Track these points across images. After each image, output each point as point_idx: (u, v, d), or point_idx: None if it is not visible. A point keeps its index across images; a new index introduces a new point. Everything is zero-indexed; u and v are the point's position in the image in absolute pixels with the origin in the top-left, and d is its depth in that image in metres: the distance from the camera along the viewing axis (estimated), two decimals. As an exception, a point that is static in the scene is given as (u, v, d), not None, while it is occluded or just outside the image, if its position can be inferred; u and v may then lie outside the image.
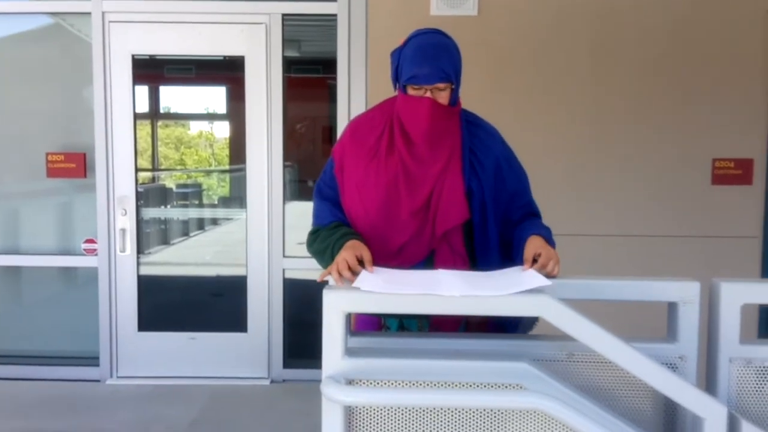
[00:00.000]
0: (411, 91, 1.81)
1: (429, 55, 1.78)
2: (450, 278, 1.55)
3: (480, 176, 1.85)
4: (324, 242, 1.84)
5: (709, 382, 1.57)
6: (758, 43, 3.60)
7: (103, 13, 4.03)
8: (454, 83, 1.81)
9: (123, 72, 4.07)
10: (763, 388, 1.53)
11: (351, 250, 1.69)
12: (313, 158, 4.52)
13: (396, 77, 1.85)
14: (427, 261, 1.82)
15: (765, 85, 3.62)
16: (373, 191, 1.83)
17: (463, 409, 1.41)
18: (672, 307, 1.59)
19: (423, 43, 1.81)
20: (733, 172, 3.63)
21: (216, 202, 5.11)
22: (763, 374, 1.53)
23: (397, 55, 1.84)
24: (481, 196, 1.84)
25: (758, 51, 3.60)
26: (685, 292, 1.56)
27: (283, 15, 4.03)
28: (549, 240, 1.75)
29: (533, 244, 1.69)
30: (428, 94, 1.79)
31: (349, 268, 1.64)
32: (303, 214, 4.12)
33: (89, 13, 4.04)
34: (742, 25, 3.60)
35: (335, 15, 3.98)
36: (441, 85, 1.79)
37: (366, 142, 1.88)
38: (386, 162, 1.84)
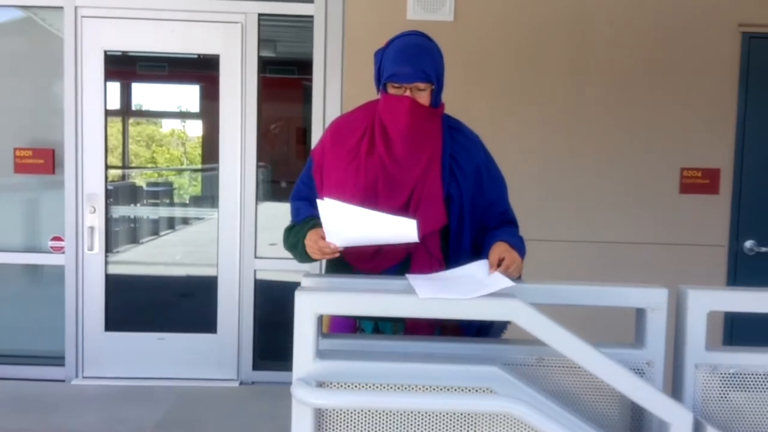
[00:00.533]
0: (391, 90, 1.82)
1: (410, 55, 1.80)
2: (420, 282, 1.55)
3: (460, 182, 1.86)
4: (296, 236, 1.88)
5: (675, 388, 1.59)
6: (729, 55, 3.67)
7: (75, 7, 3.97)
8: (435, 84, 1.83)
9: (95, 68, 4.01)
10: (727, 394, 1.56)
11: (313, 234, 1.76)
12: (286, 159, 4.50)
13: (378, 77, 1.86)
14: (404, 264, 1.83)
15: (734, 96, 3.70)
16: (352, 192, 1.82)
17: (433, 412, 1.41)
18: (640, 313, 1.61)
19: (405, 44, 1.83)
20: (701, 182, 3.70)
21: (187, 202, 5.06)
22: (728, 380, 1.56)
23: (380, 56, 1.86)
24: (460, 202, 1.86)
25: (728, 62, 3.68)
26: (653, 299, 1.59)
27: (260, 15, 4.02)
28: (518, 247, 1.78)
29: (498, 249, 1.72)
30: (408, 93, 1.80)
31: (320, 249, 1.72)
32: (276, 214, 4.10)
33: (61, 8, 3.97)
34: (713, 36, 3.67)
35: (312, 16, 3.97)
36: (421, 85, 1.81)
37: (347, 142, 1.88)
38: (366, 163, 1.84)
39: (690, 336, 1.57)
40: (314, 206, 1.88)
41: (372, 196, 1.82)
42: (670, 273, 3.53)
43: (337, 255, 1.75)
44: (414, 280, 1.58)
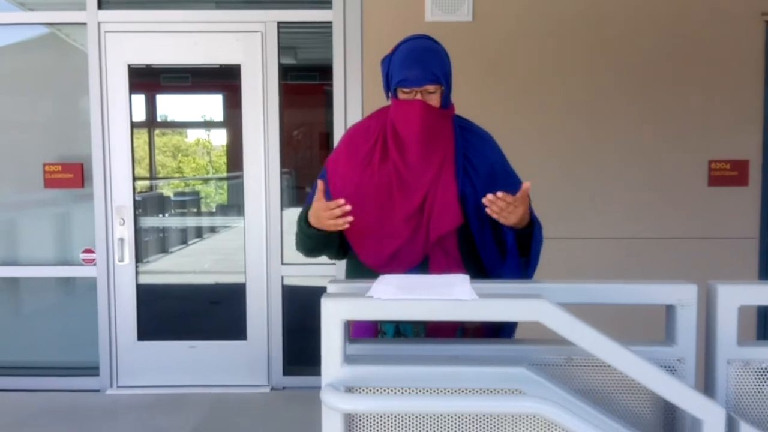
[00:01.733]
0: (401, 95, 1.84)
1: (417, 58, 1.81)
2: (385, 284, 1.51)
3: (474, 181, 1.86)
4: (298, 229, 1.93)
5: (707, 384, 1.57)
6: (753, 45, 3.62)
7: (99, 23, 4.04)
8: (444, 85, 1.83)
9: (119, 81, 4.08)
10: (761, 389, 1.53)
11: (314, 204, 1.80)
12: (310, 164, 4.52)
13: (387, 85, 1.87)
14: (422, 265, 1.84)
15: (760, 87, 3.64)
16: (367, 197, 1.84)
17: (462, 415, 1.41)
18: (670, 310, 1.59)
19: (411, 48, 1.84)
20: (729, 174, 3.65)
21: (214, 210, 5.11)
22: (761, 375, 1.53)
23: (387, 62, 1.87)
24: (476, 201, 1.85)
25: (753, 53, 3.62)
26: (683, 295, 1.57)
27: (279, 23, 4.05)
28: (536, 226, 1.82)
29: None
30: (418, 96, 1.81)
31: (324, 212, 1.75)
32: (301, 220, 4.12)
33: (85, 24, 4.05)
34: (737, 27, 3.62)
35: (330, 22, 4.00)
36: (431, 88, 1.82)
37: (361, 150, 1.89)
38: (380, 169, 1.85)
39: (721, 332, 1.54)
40: None
41: (387, 201, 1.83)
42: (701, 267, 3.49)
43: (348, 213, 1.74)
44: (382, 282, 1.53)
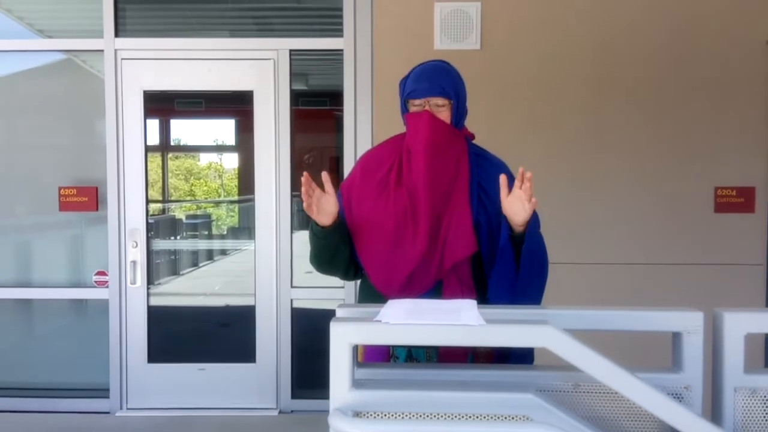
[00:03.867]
0: (412, 108, 1.89)
1: (428, 75, 1.88)
2: (395, 308, 1.53)
3: (488, 209, 1.88)
4: (309, 233, 1.94)
5: (714, 412, 1.57)
6: (758, 72, 3.64)
7: (115, 50, 4.12)
8: (453, 100, 1.87)
9: (134, 107, 4.15)
10: (769, 417, 1.53)
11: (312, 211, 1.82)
12: (321, 188, 4.55)
13: (403, 103, 1.93)
14: (435, 291, 1.85)
15: (765, 113, 3.65)
16: (381, 223, 1.86)
17: (470, 441, 1.42)
18: (676, 337, 1.60)
19: (425, 66, 1.93)
20: (736, 200, 3.65)
21: (225, 233, 5.15)
22: (769, 403, 1.54)
23: (403, 83, 1.94)
24: (489, 229, 1.87)
25: (757, 80, 3.65)
26: (689, 322, 1.57)
27: (291, 50, 4.12)
28: (535, 234, 1.82)
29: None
30: (427, 107, 1.85)
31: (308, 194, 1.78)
32: (311, 244, 4.15)
33: (102, 51, 4.13)
34: (742, 54, 3.65)
35: (341, 50, 4.06)
36: (439, 101, 1.86)
37: (375, 175, 1.93)
38: (395, 194, 1.88)
39: (727, 359, 1.55)
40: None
41: (402, 227, 1.85)
42: (709, 293, 3.48)
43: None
44: (391, 306, 1.55)
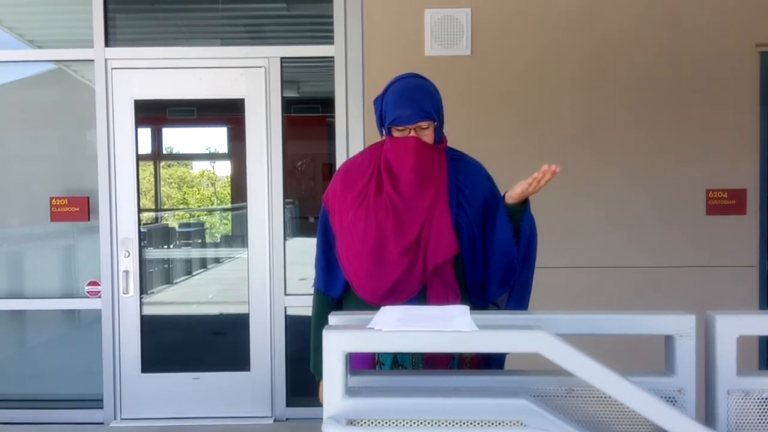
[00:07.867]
0: (396, 133, 1.88)
1: (409, 97, 1.85)
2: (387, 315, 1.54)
3: (468, 212, 1.90)
4: (313, 343, 2.02)
5: (708, 415, 1.57)
6: (749, 75, 3.67)
7: (106, 60, 4.12)
8: (437, 121, 1.87)
9: (125, 116, 4.14)
10: (762, 419, 1.54)
11: None
12: (313, 195, 4.56)
13: (381, 123, 1.92)
14: (420, 296, 1.86)
15: (756, 116, 3.68)
16: (363, 233, 1.87)
17: (464, 447, 1.42)
18: (669, 341, 1.60)
19: (403, 87, 1.89)
20: (727, 202, 3.67)
21: (218, 241, 5.14)
22: (762, 406, 1.54)
23: (380, 102, 1.92)
24: (470, 231, 1.89)
25: (748, 83, 3.66)
26: (682, 326, 1.58)
27: (282, 58, 4.12)
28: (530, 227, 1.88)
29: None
30: (412, 134, 1.85)
31: None
32: (304, 249, 4.15)
33: (92, 61, 4.12)
34: (733, 58, 3.67)
35: (332, 57, 4.07)
36: (424, 124, 1.86)
37: (356, 186, 1.93)
38: (375, 204, 1.88)
39: (720, 362, 1.55)
40: (327, 259, 2.00)
41: (383, 235, 1.86)
42: (702, 296, 3.49)
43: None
44: (383, 313, 1.56)
